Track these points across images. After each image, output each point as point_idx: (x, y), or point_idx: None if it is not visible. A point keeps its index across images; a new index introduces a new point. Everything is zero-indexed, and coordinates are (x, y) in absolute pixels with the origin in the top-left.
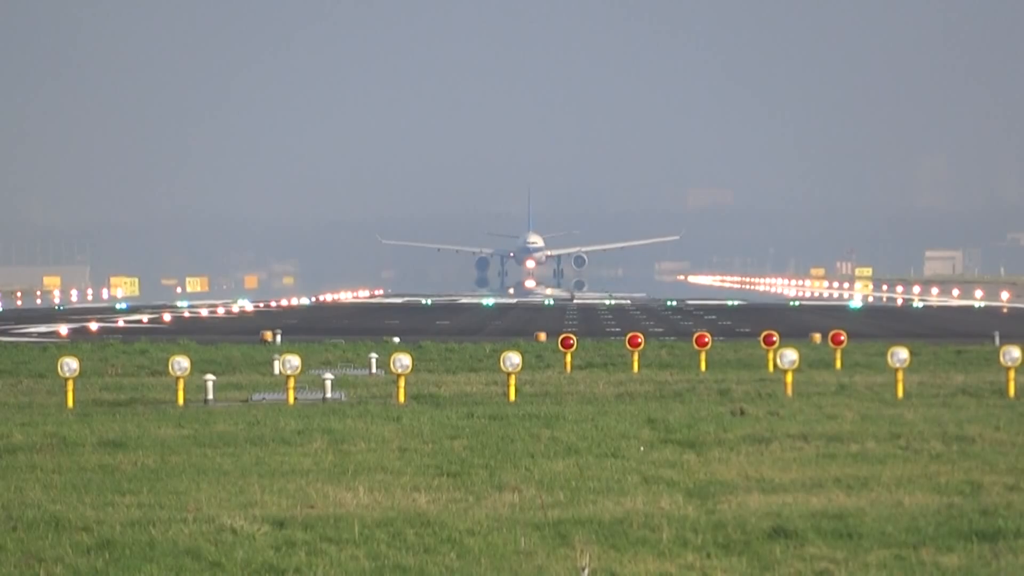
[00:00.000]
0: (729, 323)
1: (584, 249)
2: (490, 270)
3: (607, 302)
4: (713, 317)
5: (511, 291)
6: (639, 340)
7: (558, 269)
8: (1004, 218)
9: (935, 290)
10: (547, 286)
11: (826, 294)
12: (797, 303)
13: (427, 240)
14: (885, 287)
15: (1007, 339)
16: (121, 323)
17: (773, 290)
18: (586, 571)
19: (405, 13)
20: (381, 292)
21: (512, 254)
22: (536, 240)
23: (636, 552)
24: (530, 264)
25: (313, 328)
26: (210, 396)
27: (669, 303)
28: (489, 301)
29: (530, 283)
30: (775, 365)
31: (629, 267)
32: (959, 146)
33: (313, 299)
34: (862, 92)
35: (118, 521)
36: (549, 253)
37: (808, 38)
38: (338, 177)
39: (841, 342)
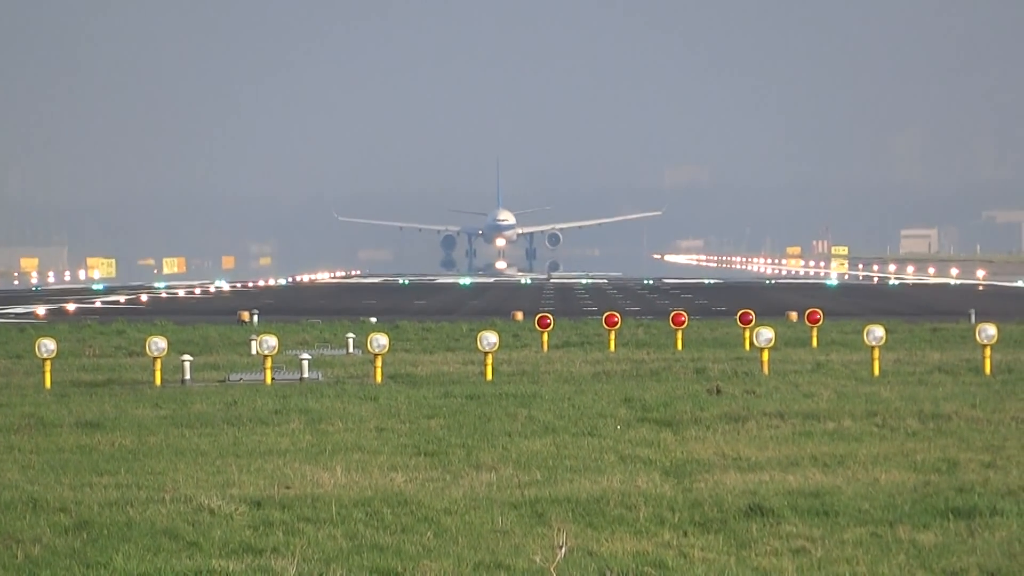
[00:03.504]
0: (706, 302)
1: (559, 226)
2: (457, 250)
3: (583, 281)
4: (690, 296)
5: (481, 273)
6: (616, 319)
7: (531, 248)
8: (979, 196)
9: (911, 268)
10: (519, 268)
11: (802, 272)
12: (773, 282)
13: (389, 218)
14: (861, 266)
15: (983, 317)
16: (98, 304)
17: (750, 269)
18: (563, 550)
19: None
20: (358, 272)
21: (481, 232)
22: (506, 217)
23: (613, 530)
24: (500, 243)
25: (290, 308)
26: (187, 377)
27: (646, 282)
28: (466, 281)
29: (501, 264)
30: (751, 343)
31: (608, 246)
32: (934, 125)
33: (290, 279)
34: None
35: (96, 502)
36: (521, 231)
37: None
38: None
39: (817, 320)
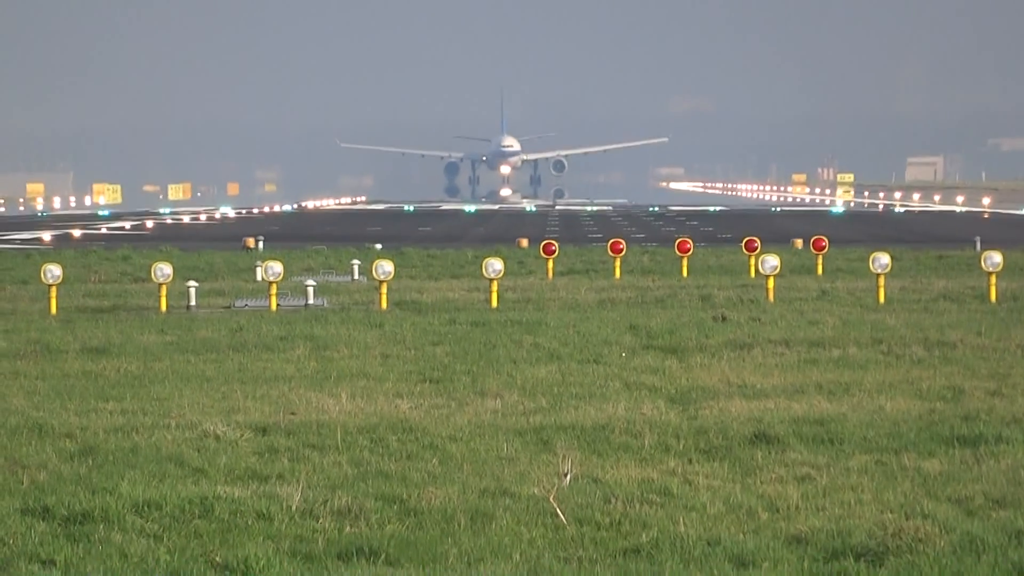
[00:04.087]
0: (711, 229)
1: (564, 153)
2: (460, 177)
3: (589, 208)
4: (695, 223)
5: (484, 200)
6: (621, 246)
7: (535, 175)
8: (985, 124)
9: (916, 196)
10: (524, 195)
11: (808, 200)
12: (779, 209)
13: (391, 144)
14: (867, 193)
15: (988, 244)
16: (104, 230)
17: (755, 196)
18: (568, 477)
19: None
20: (363, 199)
21: (484, 159)
22: (511, 143)
23: (618, 458)
24: (505, 169)
25: (295, 235)
26: (192, 303)
27: (652, 209)
28: (471, 208)
29: (505, 191)
30: (757, 271)
31: (614, 174)
32: (939, 52)
33: (295, 206)
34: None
35: (101, 427)
36: (526, 157)
37: None
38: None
39: (823, 248)
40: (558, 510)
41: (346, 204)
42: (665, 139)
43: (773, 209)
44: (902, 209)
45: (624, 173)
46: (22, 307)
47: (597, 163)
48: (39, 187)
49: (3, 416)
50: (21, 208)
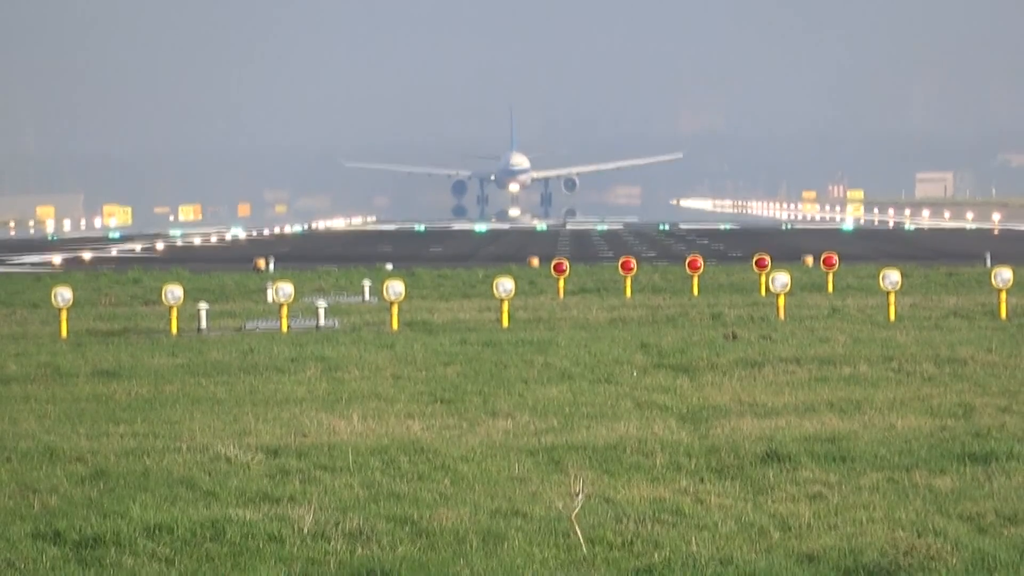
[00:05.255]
0: (722, 247)
1: (575, 170)
2: (468, 196)
3: (599, 227)
4: (706, 241)
5: (493, 220)
6: (632, 265)
7: (546, 193)
8: (995, 139)
9: (926, 212)
10: (533, 215)
11: (818, 217)
12: (789, 226)
13: (400, 164)
14: (876, 210)
15: (998, 260)
16: (114, 252)
17: (765, 213)
18: (580, 497)
19: None
20: (373, 219)
21: (493, 177)
22: (521, 161)
23: (630, 477)
24: (514, 188)
25: (306, 256)
26: (203, 325)
27: (662, 227)
28: (482, 227)
29: (514, 211)
30: (767, 289)
31: (625, 192)
32: (949, 68)
33: (306, 226)
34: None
35: (112, 451)
36: (535, 175)
37: None
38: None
39: (833, 265)
40: (577, 530)
41: (356, 225)
42: (679, 155)
43: (783, 226)
44: (912, 226)
45: (635, 191)
46: (33, 330)
47: (608, 181)
48: (49, 209)
49: (14, 440)
50: (31, 231)
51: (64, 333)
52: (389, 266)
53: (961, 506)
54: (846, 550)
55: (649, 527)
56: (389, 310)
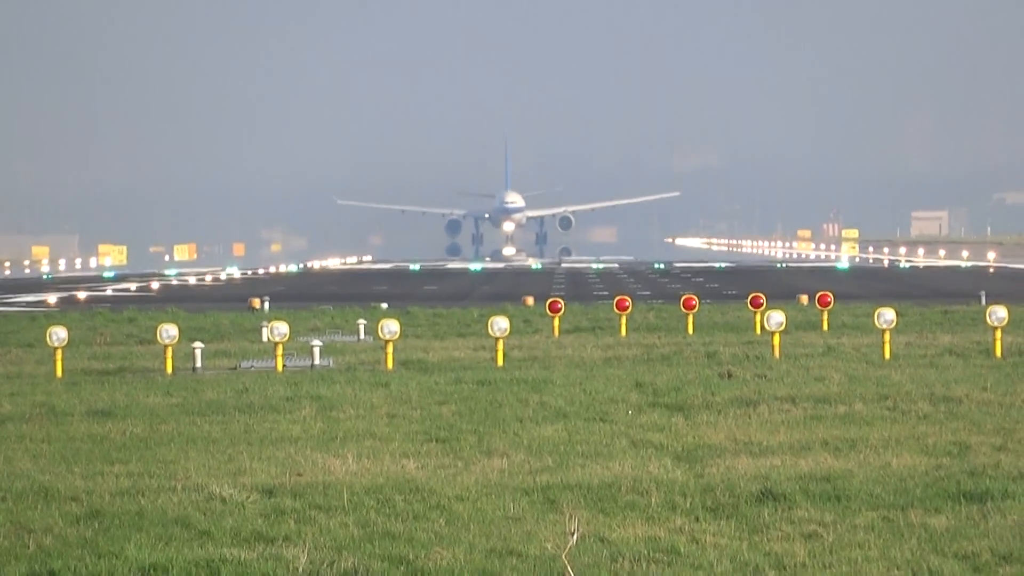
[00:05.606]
0: (716, 286)
1: (571, 209)
2: (462, 235)
3: (595, 266)
4: (701, 280)
5: (487, 259)
6: (627, 304)
7: (541, 232)
8: (990, 178)
9: (921, 251)
10: (528, 253)
11: (813, 256)
12: (784, 265)
13: (394, 202)
14: (872, 248)
15: (993, 299)
16: (109, 292)
17: (761, 252)
18: (575, 536)
19: None
20: (369, 258)
21: (488, 215)
22: (515, 199)
23: (625, 516)
24: (508, 227)
25: (301, 295)
26: (198, 364)
27: (657, 266)
28: (476, 266)
29: (509, 250)
30: (762, 327)
31: (621, 230)
32: (944, 106)
33: (301, 265)
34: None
35: (107, 491)
36: (531, 214)
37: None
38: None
39: (828, 303)
40: (570, 570)
41: (352, 263)
42: (676, 193)
43: (778, 265)
44: (907, 264)
45: (631, 229)
46: (28, 370)
47: (604, 219)
48: (44, 249)
49: (9, 480)
50: (27, 270)
51: (59, 372)
52: (384, 305)
53: (957, 545)
54: None
55: (644, 566)
56: (384, 349)
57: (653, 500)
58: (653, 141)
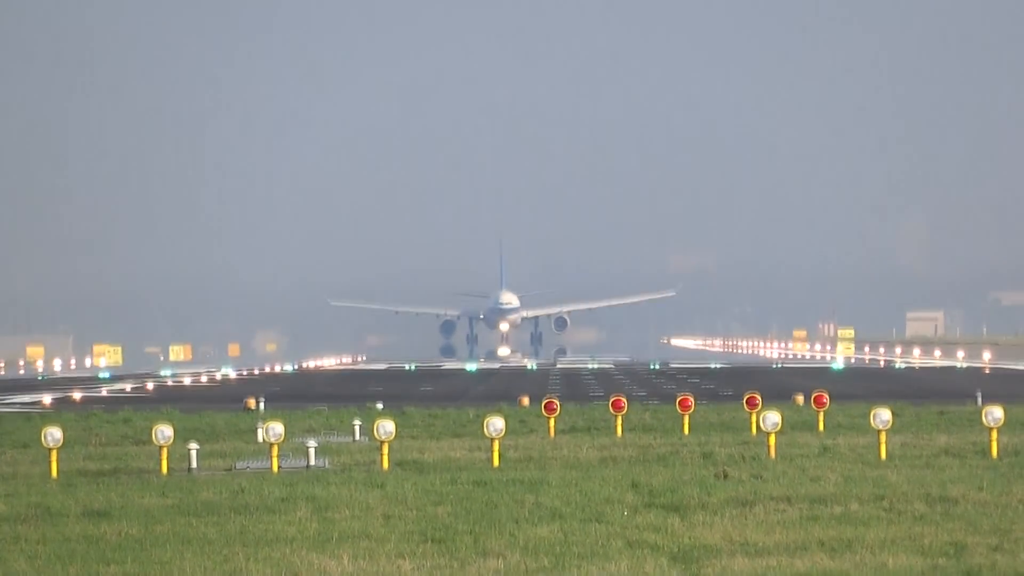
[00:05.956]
0: (712, 386)
1: (566, 309)
2: (457, 335)
3: (590, 365)
4: (696, 380)
5: (483, 360)
6: (622, 404)
7: (536, 332)
8: (986, 278)
9: (917, 351)
10: (524, 353)
11: (808, 356)
12: (779, 365)
13: (387, 302)
14: (867, 348)
15: (989, 399)
16: (104, 392)
17: (756, 352)
18: None
19: (375, 62)
20: (364, 358)
21: (483, 316)
22: (510, 300)
23: None
24: (503, 327)
25: (297, 395)
26: (194, 465)
27: (652, 366)
28: (472, 366)
29: (504, 350)
30: (758, 427)
31: (616, 331)
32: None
33: (296, 366)
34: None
35: None
36: (526, 315)
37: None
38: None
39: (824, 404)
40: None
41: (347, 363)
42: (673, 292)
43: (774, 365)
44: (903, 364)
45: (626, 329)
46: (23, 470)
47: (599, 319)
48: (39, 349)
49: None
50: (21, 371)
51: (54, 473)
52: (379, 405)
53: None
54: None
55: None
56: (379, 449)
57: None
58: (648, 240)
